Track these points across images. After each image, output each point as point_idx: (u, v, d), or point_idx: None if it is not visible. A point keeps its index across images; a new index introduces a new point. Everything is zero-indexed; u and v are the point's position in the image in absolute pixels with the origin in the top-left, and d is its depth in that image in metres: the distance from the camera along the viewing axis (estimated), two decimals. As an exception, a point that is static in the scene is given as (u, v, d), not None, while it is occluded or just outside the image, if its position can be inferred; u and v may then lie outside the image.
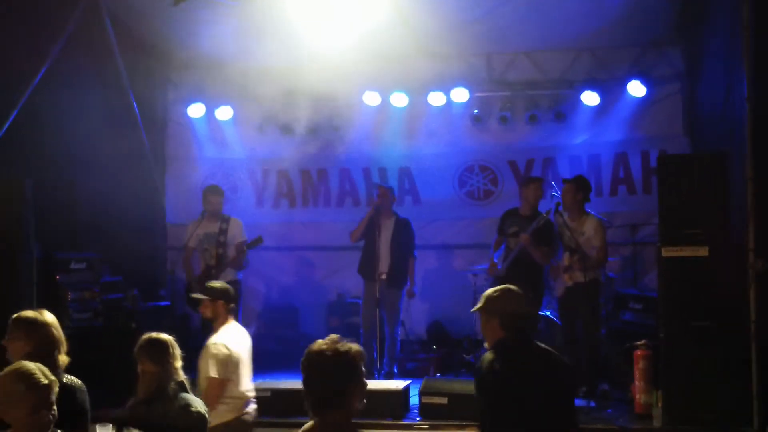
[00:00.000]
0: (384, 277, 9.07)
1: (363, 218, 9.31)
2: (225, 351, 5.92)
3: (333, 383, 3.29)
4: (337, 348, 3.33)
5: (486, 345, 4.60)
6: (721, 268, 6.82)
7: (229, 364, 5.90)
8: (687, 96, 9.97)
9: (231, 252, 8.90)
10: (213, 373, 5.85)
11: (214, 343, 6.00)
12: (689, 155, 8.86)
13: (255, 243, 8.83)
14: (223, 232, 8.92)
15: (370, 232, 9.21)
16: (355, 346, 3.38)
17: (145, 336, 4.71)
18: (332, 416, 3.30)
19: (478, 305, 4.57)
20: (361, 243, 9.39)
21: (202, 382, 5.87)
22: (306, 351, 3.37)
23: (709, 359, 6.77)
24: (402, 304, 9.32)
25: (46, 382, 3.68)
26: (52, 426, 3.70)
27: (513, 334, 4.45)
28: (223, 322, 6.24)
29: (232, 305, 6.38)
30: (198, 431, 4.55)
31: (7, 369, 3.75)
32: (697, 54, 9.44)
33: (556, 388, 4.42)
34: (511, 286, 4.64)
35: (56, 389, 3.74)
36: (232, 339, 6.12)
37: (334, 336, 3.42)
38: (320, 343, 3.36)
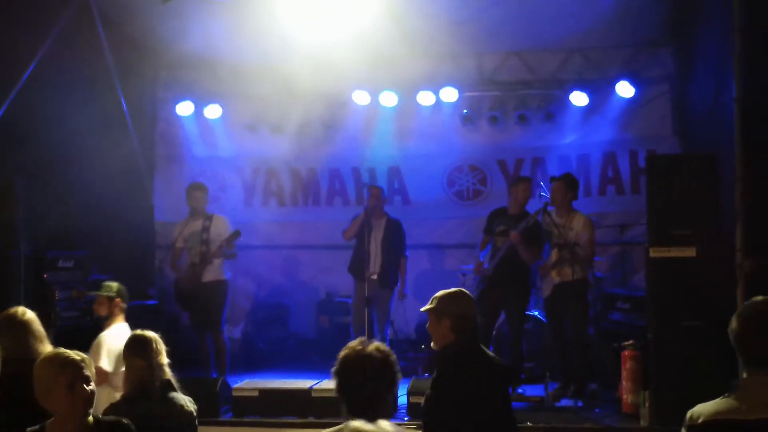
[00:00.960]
0: (375, 277, 9.06)
1: (356, 217, 9.28)
2: (118, 346, 5.90)
3: (381, 385, 3.36)
4: (384, 350, 3.39)
5: (433, 346, 4.58)
6: (709, 269, 6.83)
7: (119, 359, 5.91)
8: (677, 96, 10.02)
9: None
10: (103, 363, 5.97)
11: (110, 336, 6.18)
12: (678, 155, 8.89)
13: (233, 237, 8.79)
14: (206, 229, 8.85)
15: (361, 231, 9.21)
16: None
17: (136, 333, 4.73)
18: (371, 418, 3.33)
19: (429, 305, 4.53)
20: (352, 242, 9.37)
21: None
22: (347, 355, 3.37)
23: (697, 359, 6.78)
24: (392, 304, 9.31)
25: (77, 357, 3.74)
26: (93, 401, 3.74)
27: (463, 338, 4.42)
28: (116, 320, 6.40)
29: (125, 305, 6.52)
30: (187, 428, 4.54)
31: (38, 360, 3.82)
32: (687, 55, 9.48)
33: (503, 392, 4.48)
34: (463, 289, 4.64)
35: (92, 366, 3.79)
36: (125, 337, 6.20)
37: (363, 338, 3.46)
38: (364, 347, 3.39)
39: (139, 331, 4.75)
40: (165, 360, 4.67)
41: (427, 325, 4.60)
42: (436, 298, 4.55)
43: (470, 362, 4.39)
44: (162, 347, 4.68)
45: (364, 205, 9.56)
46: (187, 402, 4.60)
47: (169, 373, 4.67)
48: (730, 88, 6.41)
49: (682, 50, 9.69)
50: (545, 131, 10.66)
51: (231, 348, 9.31)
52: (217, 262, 8.84)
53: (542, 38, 10.05)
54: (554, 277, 8.22)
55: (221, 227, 8.91)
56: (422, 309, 4.60)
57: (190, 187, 9.16)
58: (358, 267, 9.20)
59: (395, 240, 9.28)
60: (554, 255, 8.22)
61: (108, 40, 9.39)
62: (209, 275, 8.80)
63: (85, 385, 3.69)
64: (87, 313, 8.68)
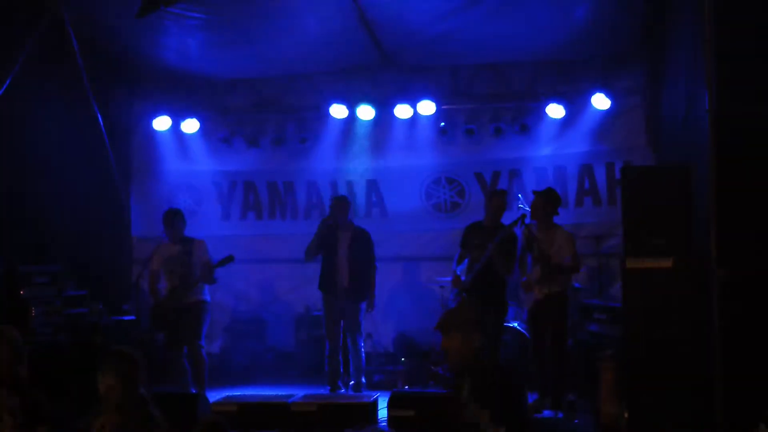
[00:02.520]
0: (343, 289, 9.02)
1: (313, 237, 9.25)
2: None
3: None
4: None
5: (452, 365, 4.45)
6: (684, 279, 6.87)
7: None
8: (650, 108, 10.08)
9: (197, 272, 8.80)
10: None
11: None
12: (653, 167, 8.94)
13: (225, 261, 8.73)
14: (188, 253, 8.79)
15: (327, 245, 9.16)
16: None
17: (113, 349, 4.68)
18: None
19: (456, 327, 4.34)
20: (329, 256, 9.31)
21: None
22: None
23: (673, 370, 6.81)
24: (362, 316, 9.23)
25: None
26: None
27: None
28: None
29: None
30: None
31: None
32: (660, 66, 9.54)
33: None
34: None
35: None
36: None
37: None
38: None
39: (122, 349, 4.69)
40: (144, 379, 4.63)
41: (449, 344, 4.35)
42: (459, 315, 4.42)
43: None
44: (143, 366, 4.64)
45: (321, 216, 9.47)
46: (162, 419, 4.57)
47: (145, 390, 4.64)
48: (703, 99, 6.46)
49: (655, 61, 9.75)
50: (521, 143, 10.69)
51: (209, 363, 9.25)
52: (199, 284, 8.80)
53: (517, 51, 10.12)
54: (537, 293, 8.21)
55: (202, 251, 8.85)
56: (437, 328, 4.42)
57: (167, 214, 8.99)
58: (327, 282, 9.16)
59: (363, 251, 9.17)
60: (537, 271, 8.20)
61: (83, 54, 9.34)
62: (191, 297, 8.74)
63: None
64: (63, 329, 8.62)
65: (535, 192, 8.55)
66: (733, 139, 6.25)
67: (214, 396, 8.07)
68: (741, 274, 6.12)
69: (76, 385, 6.92)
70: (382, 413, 7.82)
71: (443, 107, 10.67)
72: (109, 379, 4.54)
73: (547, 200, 8.33)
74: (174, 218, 8.86)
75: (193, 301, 8.72)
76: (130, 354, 4.65)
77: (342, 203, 9.28)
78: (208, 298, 8.88)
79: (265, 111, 11.06)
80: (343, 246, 9.10)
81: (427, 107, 10.51)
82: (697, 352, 6.73)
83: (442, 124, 10.70)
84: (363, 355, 9.28)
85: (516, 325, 9.21)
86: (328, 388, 9.10)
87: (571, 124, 10.43)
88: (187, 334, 8.70)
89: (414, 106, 10.56)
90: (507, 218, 8.73)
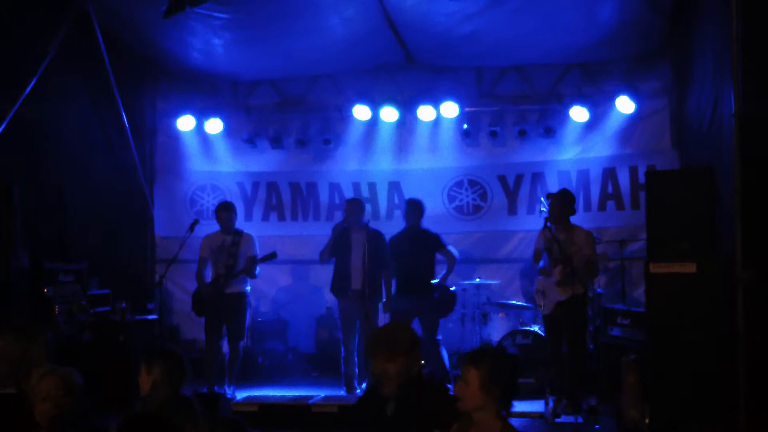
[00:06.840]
0: (358, 292, 8.97)
1: (328, 241, 9.28)
2: None
3: None
4: None
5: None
6: (709, 283, 6.83)
7: None
8: (675, 110, 10.02)
9: (241, 264, 9.02)
10: None
11: None
12: (677, 171, 8.89)
13: (269, 257, 9.01)
14: (236, 244, 9.08)
15: (341, 248, 9.17)
16: None
17: (160, 348, 4.72)
18: None
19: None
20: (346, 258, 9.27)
21: None
22: None
23: (697, 373, 6.77)
24: (377, 319, 9.22)
25: None
26: None
27: None
28: None
29: None
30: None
31: None
32: (685, 68, 9.48)
33: None
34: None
35: None
36: None
37: None
38: None
39: (168, 347, 4.72)
40: (186, 377, 4.66)
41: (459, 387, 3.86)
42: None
43: None
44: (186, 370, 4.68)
45: (341, 219, 9.48)
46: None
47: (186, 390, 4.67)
48: (729, 101, 6.42)
49: (680, 63, 9.68)
50: (545, 146, 10.65)
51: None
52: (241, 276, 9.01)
53: (541, 53, 10.09)
54: (559, 293, 8.18)
55: (248, 245, 9.14)
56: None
57: (219, 208, 9.33)
58: (339, 284, 9.18)
59: (377, 252, 9.10)
60: (558, 273, 8.18)
61: (109, 52, 9.41)
62: (232, 287, 8.97)
63: None
64: (87, 328, 8.65)
65: (549, 195, 8.53)
66: (759, 141, 6.21)
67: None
68: (765, 277, 6.08)
69: (99, 384, 6.94)
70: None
71: (467, 110, 10.65)
72: (155, 376, 4.53)
73: (563, 201, 8.33)
74: (225, 211, 9.22)
75: (233, 292, 8.99)
76: (177, 353, 4.67)
77: (355, 205, 9.31)
78: (248, 289, 9.14)
79: (289, 111, 11.10)
80: (357, 248, 9.07)
81: (450, 109, 10.49)
82: (721, 356, 6.68)
83: (466, 126, 10.67)
84: None
85: (537, 329, 9.17)
86: (345, 389, 9.09)
87: (595, 127, 10.40)
88: (231, 331, 9.02)
89: (437, 108, 10.56)
90: (529, 222, 8.72)
